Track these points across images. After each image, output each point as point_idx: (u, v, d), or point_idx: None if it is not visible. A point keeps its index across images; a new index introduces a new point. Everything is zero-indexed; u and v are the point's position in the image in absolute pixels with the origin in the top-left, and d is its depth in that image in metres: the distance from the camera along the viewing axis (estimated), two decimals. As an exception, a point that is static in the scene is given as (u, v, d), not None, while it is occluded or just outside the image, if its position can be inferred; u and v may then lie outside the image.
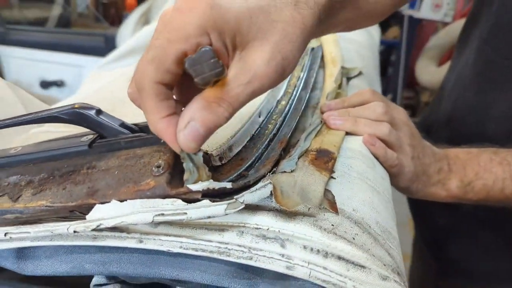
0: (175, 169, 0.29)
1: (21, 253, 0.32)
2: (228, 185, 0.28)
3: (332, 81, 0.55)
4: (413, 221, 0.82)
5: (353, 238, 0.29)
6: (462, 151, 0.50)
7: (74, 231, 0.27)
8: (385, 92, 2.64)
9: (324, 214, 0.30)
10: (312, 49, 0.69)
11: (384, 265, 0.29)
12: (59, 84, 1.54)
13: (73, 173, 0.31)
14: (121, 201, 0.27)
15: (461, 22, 2.40)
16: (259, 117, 0.45)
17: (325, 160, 0.34)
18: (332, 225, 0.29)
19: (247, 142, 0.40)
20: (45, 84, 1.55)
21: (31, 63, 1.56)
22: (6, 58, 1.57)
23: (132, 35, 1.23)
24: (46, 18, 2.11)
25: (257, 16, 0.27)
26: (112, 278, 0.31)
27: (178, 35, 0.26)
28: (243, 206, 0.28)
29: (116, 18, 3.85)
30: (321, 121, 0.44)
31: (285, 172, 0.31)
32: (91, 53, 1.49)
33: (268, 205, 0.30)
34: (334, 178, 0.34)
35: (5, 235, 0.29)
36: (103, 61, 1.08)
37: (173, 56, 0.26)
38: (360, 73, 0.62)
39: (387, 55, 3.15)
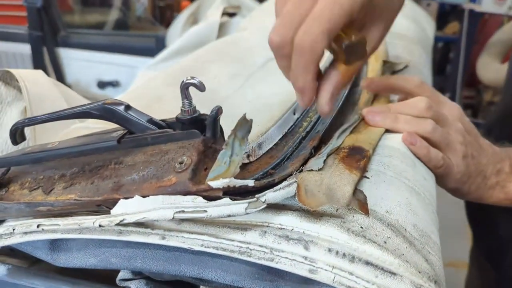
0: (199, 166, 0.28)
1: (55, 244, 0.33)
2: (251, 183, 0.27)
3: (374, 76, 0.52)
4: (470, 228, 0.77)
5: (385, 242, 0.27)
6: None
7: (100, 225, 0.28)
8: (443, 91, 2.50)
9: (353, 216, 0.28)
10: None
11: (419, 272, 0.26)
12: (114, 84, 1.61)
13: (102, 168, 0.31)
14: (144, 196, 0.27)
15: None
16: (294, 114, 0.44)
17: (357, 159, 0.32)
18: (361, 227, 0.27)
19: (279, 140, 0.39)
20: (102, 84, 1.63)
21: (89, 64, 1.64)
22: (67, 60, 1.67)
23: (180, 35, 1.26)
24: (105, 22, 2.22)
25: None
26: (137, 274, 0.32)
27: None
28: (265, 205, 0.26)
29: (171, 20, 3.99)
30: (359, 117, 0.41)
31: (312, 170, 0.30)
32: (143, 54, 1.55)
33: (294, 205, 0.29)
34: (368, 178, 0.32)
35: (37, 226, 0.30)
36: (152, 61, 1.11)
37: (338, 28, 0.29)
38: (406, 67, 0.58)
39: (446, 52, 2.99)
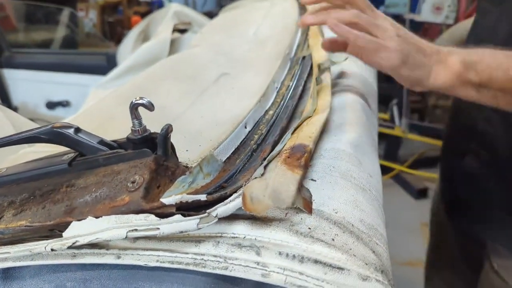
0: (151, 184, 0.29)
1: (7, 273, 0.32)
2: (203, 197, 0.28)
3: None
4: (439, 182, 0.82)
5: (333, 239, 0.29)
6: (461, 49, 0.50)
7: (52, 249, 0.28)
8: (390, 97, 2.62)
9: (301, 218, 0.30)
10: (303, 58, 0.69)
11: (366, 264, 0.28)
12: (64, 104, 1.57)
13: (53, 192, 0.31)
14: (97, 217, 0.28)
15: (463, 23, 2.38)
16: (245, 127, 0.45)
17: (298, 156, 0.33)
18: (309, 228, 0.29)
19: (231, 154, 0.40)
20: (51, 105, 1.58)
21: (36, 85, 1.59)
22: (13, 81, 1.61)
23: (131, 52, 1.25)
24: (52, 40, 2.15)
25: None
26: (95, 295, 0.32)
27: None
28: (216, 220, 0.28)
29: (121, 37, 3.92)
30: (301, 120, 0.43)
31: (256, 178, 0.31)
32: (94, 72, 1.52)
33: (245, 213, 0.30)
34: (314, 180, 0.34)
35: (-13, 256, 0.29)
36: (103, 79, 1.10)
37: None
38: (346, 59, 0.61)
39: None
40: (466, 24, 2.27)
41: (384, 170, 2.63)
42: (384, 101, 2.86)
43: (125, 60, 1.16)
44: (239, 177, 0.34)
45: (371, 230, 0.32)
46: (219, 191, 0.31)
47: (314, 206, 0.31)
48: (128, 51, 1.31)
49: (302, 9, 1.06)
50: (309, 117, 0.43)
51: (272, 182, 0.29)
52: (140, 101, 0.30)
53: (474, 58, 0.47)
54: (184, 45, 1.16)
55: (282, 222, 0.29)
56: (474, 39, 0.71)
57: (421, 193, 2.38)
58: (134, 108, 0.31)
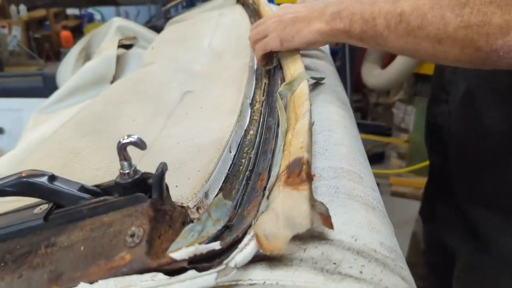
0: (153, 235, 0.25)
1: None
2: (217, 245, 0.25)
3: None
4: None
5: (360, 272, 0.26)
6: None
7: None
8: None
9: (322, 253, 0.27)
10: (269, 70, 0.67)
11: (399, 294, 0.26)
12: (-4, 132, 1.43)
13: (29, 254, 0.26)
14: (92, 282, 0.23)
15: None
16: (230, 152, 0.42)
17: (297, 173, 0.30)
18: (334, 263, 0.26)
19: (223, 184, 0.37)
20: (-18, 134, 1.43)
21: (-37, 114, 1.43)
22: None
23: (73, 72, 1.16)
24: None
25: None
26: None
27: None
28: (235, 271, 0.24)
29: (51, 54, 3.68)
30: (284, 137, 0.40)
31: (263, 212, 0.28)
32: (29, 95, 1.39)
33: (260, 253, 0.27)
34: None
35: None
36: (45, 103, 1.01)
37: None
38: (324, 78, 0.60)
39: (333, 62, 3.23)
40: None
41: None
42: (329, 103, 2.94)
43: (67, 81, 1.07)
44: (243, 212, 0.31)
45: (393, 252, 0.30)
46: (228, 234, 0.28)
47: (332, 236, 0.29)
48: (69, 71, 1.21)
49: (252, 17, 1.05)
50: (287, 130, 0.41)
51: (282, 210, 0.26)
52: (129, 140, 0.26)
53: (343, 6, 0.53)
54: (131, 61, 1.09)
55: (304, 260, 0.26)
56: None
57: (372, 189, 2.46)
58: (122, 148, 0.27)
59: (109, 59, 1.07)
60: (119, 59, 1.11)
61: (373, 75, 2.49)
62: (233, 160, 0.41)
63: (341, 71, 2.59)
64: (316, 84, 0.59)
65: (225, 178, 0.38)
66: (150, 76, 0.67)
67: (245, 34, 0.89)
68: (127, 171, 0.27)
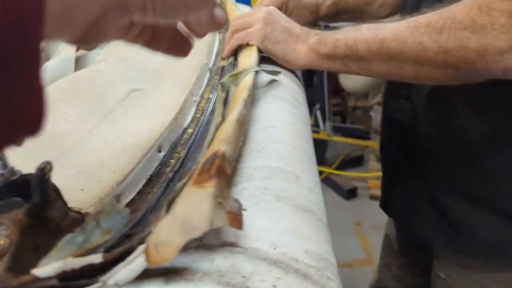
0: (24, 247, 0.21)
1: None
2: (97, 258, 0.21)
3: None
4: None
5: (274, 286, 0.23)
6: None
7: None
8: (314, 102, 2.68)
9: (232, 264, 0.23)
10: (223, 67, 0.64)
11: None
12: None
13: None
14: None
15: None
16: (159, 152, 0.38)
17: (207, 169, 0.27)
18: (243, 276, 0.23)
19: (142, 187, 0.33)
20: None
21: None
22: None
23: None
24: None
25: None
26: None
27: None
28: (116, 289, 0.20)
29: None
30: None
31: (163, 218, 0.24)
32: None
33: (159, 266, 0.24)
34: (244, 210, 0.28)
35: None
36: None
37: None
38: (279, 73, 0.57)
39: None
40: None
41: (315, 174, 2.67)
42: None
43: None
44: (151, 218, 0.27)
45: (321, 261, 0.26)
46: (123, 244, 0.24)
47: (247, 244, 0.25)
48: (27, 73, 1.15)
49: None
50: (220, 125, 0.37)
51: (181, 213, 0.23)
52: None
53: (328, 34, 0.57)
54: (92, 63, 1.04)
55: (208, 273, 0.23)
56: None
57: (350, 193, 2.45)
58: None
59: (67, 60, 1.01)
60: (79, 59, 1.06)
61: (350, 77, 2.49)
62: (161, 161, 0.37)
63: (318, 74, 2.59)
64: (272, 81, 0.56)
65: (147, 181, 0.34)
66: (96, 74, 0.63)
67: (206, 32, 0.86)
68: (0, 172, 0.23)
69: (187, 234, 0.22)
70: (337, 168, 2.68)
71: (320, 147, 2.73)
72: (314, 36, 0.58)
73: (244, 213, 0.28)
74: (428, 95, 0.63)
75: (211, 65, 0.68)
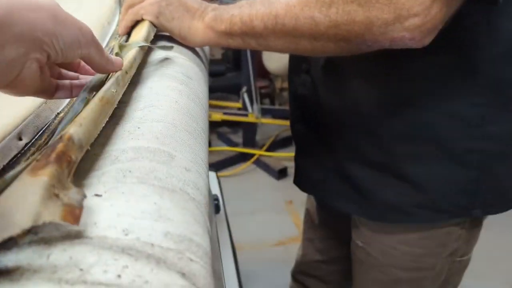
0: None
1: None
2: None
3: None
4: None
5: (119, 276, 0.20)
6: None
7: None
8: (240, 86, 2.67)
9: (70, 257, 0.21)
10: (112, 49, 0.59)
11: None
12: None
13: None
14: None
15: None
16: (20, 139, 0.34)
17: (47, 154, 0.23)
18: (81, 269, 0.20)
19: None
20: None
21: None
22: None
23: None
24: None
25: None
26: None
27: None
28: None
29: None
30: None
31: None
32: None
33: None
34: (100, 195, 0.25)
35: None
36: None
37: None
38: (172, 47, 0.54)
39: (238, 50, 3.21)
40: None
41: (245, 157, 2.69)
42: (234, 90, 2.92)
43: None
44: None
45: (183, 243, 0.24)
46: None
47: (94, 233, 0.22)
48: None
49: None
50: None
51: (3, 206, 0.19)
52: None
53: (224, 10, 0.55)
54: None
55: (39, 270, 0.20)
56: None
57: (281, 173, 2.50)
58: None
59: None
60: None
61: (273, 59, 2.50)
62: (21, 150, 0.33)
63: (243, 57, 2.57)
64: (163, 60, 0.53)
65: None
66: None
67: (104, 13, 0.80)
68: None
69: (3, 231, 0.18)
70: (267, 150, 2.72)
71: (249, 130, 2.75)
72: (210, 12, 0.56)
73: (99, 199, 0.25)
74: (324, 68, 0.64)
75: (104, 45, 0.63)
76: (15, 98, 0.43)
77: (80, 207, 0.21)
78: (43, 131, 0.37)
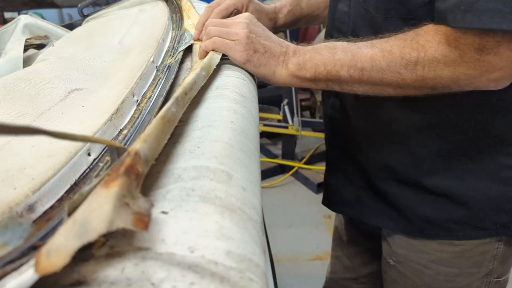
0: None
1: None
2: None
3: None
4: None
5: None
6: (310, 46, 0.61)
7: None
8: (281, 98, 2.69)
9: (143, 271, 0.22)
10: (169, 67, 0.62)
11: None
12: None
13: None
14: None
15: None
16: (89, 155, 0.37)
17: (116, 168, 0.25)
18: (153, 283, 0.22)
19: (65, 193, 0.31)
20: None
21: None
22: None
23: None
24: None
25: None
26: None
27: None
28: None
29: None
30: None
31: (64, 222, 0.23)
32: None
33: (69, 277, 0.22)
34: (166, 213, 0.27)
35: None
36: None
37: None
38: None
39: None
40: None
41: (284, 169, 2.69)
42: (276, 103, 2.94)
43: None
44: None
45: (243, 262, 0.25)
46: (25, 257, 0.22)
47: (163, 249, 0.24)
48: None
49: (173, 12, 1.00)
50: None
51: (82, 216, 0.21)
52: None
53: (306, 57, 0.57)
54: (40, 62, 1.00)
55: (115, 283, 0.22)
56: (330, 24, 0.74)
57: (320, 186, 2.47)
58: None
59: (15, 59, 0.97)
60: (28, 59, 1.01)
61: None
62: (90, 165, 0.36)
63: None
64: (217, 79, 0.55)
65: (71, 187, 0.32)
66: (33, 74, 0.60)
67: (158, 30, 0.84)
68: None
69: (82, 237, 0.20)
70: (307, 163, 2.70)
71: (289, 142, 2.75)
72: (292, 58, 0.59)
73: (165, 217, 0.27)
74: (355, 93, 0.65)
75: (158, 63, 0.66)
76: (83, 117, 0.46)
77: (149, 215, 0.23)
78: (106, 149, 0.39)
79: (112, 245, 0.24)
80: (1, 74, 0.97)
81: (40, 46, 1.09)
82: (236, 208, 0.30)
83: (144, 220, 0.22)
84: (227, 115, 0.44)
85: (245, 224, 0.29)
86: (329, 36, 0.74)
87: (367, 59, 0.53)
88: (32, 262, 0.20)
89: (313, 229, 2.17)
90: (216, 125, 0.41)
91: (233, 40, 0.59)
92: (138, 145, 0.27)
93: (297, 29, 2.77)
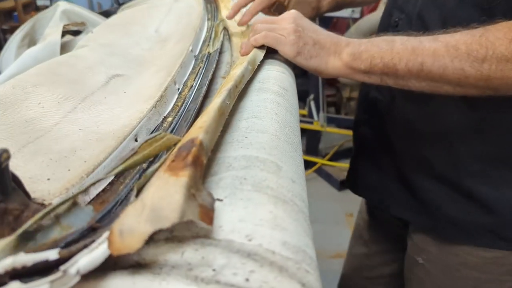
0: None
1: None
2: (53, 254, 0.19)
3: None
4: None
5: (247, 280, 0.21)
6: (365, 39, 0.58)
7: None
8: (307, 93, 2.66)
9: (203, 257, 0.22)
10: (209, 54, 0.62)
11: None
12: None
13: None
14: None
15: (368, 17, 2.47)
16: (136, 141, 0.37)
17: (183, 156, 0.25)
18: (214, 269, 0.21)
19: (115, 178, 0.31)
20: None
21: None
22: None
23: (15, 58, 1.08)
24: None
25: None
26: None
27: None
28: (78, 279, 0.19)
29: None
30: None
31: (131, 203, 0.23)
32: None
33: (129, 259, 0.22)
34: (221, 200, 0.27)
35: None
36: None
37: None
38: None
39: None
40: (371, 18, 2.38)
41: (307, 164, 2.67)
42: (301, 97, 2.91)
43: (7, 68, 0.99)
44: (120, 210, 0.26)
45: (298, 254, 0.25)
46: (85, 238, 0.22)
47: (221, 235, 0.24)
48: (12, 58, 1.13)
49: (208, 2, 0.99)
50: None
51: (151, 200, 0.21)
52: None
53: (362, 48, 0.55)
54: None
55: (177, 267, 0.21)
56: (392, 1, 0.71)
57: (343, 184, 2.45)
58: None
59: (52, 45, 0.99)
60: (65, 45, 1.03)
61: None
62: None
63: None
64: (260, 72, 0.55)
65: (120, 172, 0.32)
66: (76, 59, 0.60)
67: (195, 19, 0.84)
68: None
69: (155, 223, 0.20)
70: (330, 159, 2.68)
71: (313, 137, 2.72)
72: (346, 48, 0.56)
73: (220, 204, 0.27)
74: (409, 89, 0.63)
75: (197, 52, 0.66)
76: (127, 103, 0.47)
77: (213, 209, 0.23)
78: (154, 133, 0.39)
79: (172, 229, 0.24)
80: (39, 58, 0.99)
81: (76, 33, 1.10)
82: (288, 199, 0.29)
83: (209, 215, 0.22)
84: (271, 107, 0.43)
85: (297, 216, 0.29)
86: (388, 16, 0.71)
87: (429, 53, 0.50)
88: (98, 241, 0.20)
89: (334, 226, 2.15)
90: (261, 116, 0.40)
91: (282, 35, 0.57)
92: (201, 135, 0.26)
93: (327, 24, 2.73)
